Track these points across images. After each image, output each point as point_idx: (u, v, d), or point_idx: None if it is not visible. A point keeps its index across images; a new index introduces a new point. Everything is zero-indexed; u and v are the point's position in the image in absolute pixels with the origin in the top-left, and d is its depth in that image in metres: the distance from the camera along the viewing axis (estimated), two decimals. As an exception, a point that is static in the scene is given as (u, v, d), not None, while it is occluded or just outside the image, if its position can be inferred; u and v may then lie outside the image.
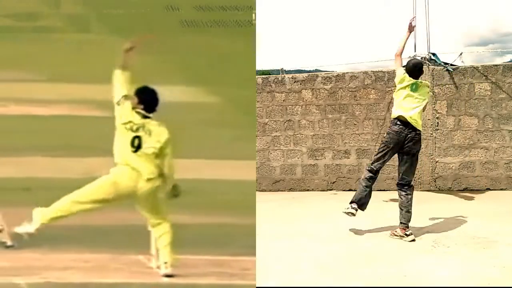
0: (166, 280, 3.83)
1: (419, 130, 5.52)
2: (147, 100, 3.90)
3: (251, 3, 12.17)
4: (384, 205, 7.20)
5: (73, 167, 5.27)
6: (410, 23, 5.68)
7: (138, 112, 3.88)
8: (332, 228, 5.86)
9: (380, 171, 8.32)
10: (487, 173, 8.07)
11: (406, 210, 5.43)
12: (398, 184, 5.64)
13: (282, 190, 8.83)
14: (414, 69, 5.39)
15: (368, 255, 4.69)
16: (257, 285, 3.83)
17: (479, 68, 8.12)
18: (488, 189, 8.05)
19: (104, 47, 9.79)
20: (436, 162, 8.21)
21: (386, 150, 5.57)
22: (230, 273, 3.96)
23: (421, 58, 8.30)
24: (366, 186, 5.61)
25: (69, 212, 3.85)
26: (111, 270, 3.93)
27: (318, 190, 8.69)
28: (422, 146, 8.20)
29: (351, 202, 5.57)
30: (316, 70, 10.65)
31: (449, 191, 8.11)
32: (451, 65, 8.41)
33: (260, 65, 15.82)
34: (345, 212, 5.55)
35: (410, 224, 5.79)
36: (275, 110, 8.91)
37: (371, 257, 4.62)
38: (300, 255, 4.79)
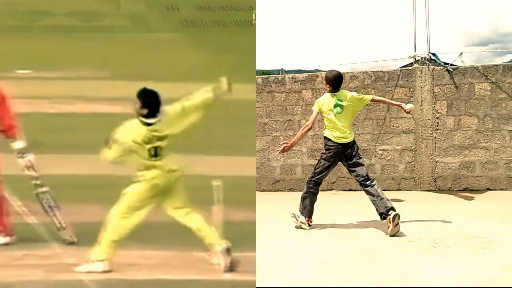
0: (228, 276, 3.86)
1: (352, 136, 5.77)
2: (150, 103, 3.83)
3: (251, 3, 12.19)
4: (384, 205, 7.20)
5: None
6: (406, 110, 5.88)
7: (143, 123, 3.85)
8: (332, 228, 5.86)
9: (380, 171, 8.39)
10: (487, 173, 8.07)
11: (381, 198, 5.52)
12: (363, 182, 5.68)
13: (282, 190, 8.83)
14: (335, 81, 5.70)
15: (368, 255, 4.69)
16: (257, 285, 3.84)
17: (479, 68, 8.12)
18: (488, 189, 8.05)
19: (167, 46, 9.92)
20: (436, 162, 8.21)
21: (328, 164, 5.80)
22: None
23: (421, 58, 8.33)
24: (314, 195, 5.88)
25: (125, 230, 3.89)
26: (174, 267, 3.97)
27: (318, 190, 8.67)
28: (422, 146, 8.24)
29: (302, 215, 5.87)
30: (316, 70, 10.64)
31: (449, 191, 8.11)
32: (451, 65, 8.42)
33: (260, 65, 15.84)
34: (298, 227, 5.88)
35: (411, 224, 5.80)
36: (275, 110, 8.91)
37: (371, 257, 4.62)
38: (300, 255, 4.79)
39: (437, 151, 8.21)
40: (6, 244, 4.27)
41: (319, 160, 5.88)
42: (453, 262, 4.40)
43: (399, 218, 5.36)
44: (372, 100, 5.85)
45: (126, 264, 3.95)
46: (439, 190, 8.16)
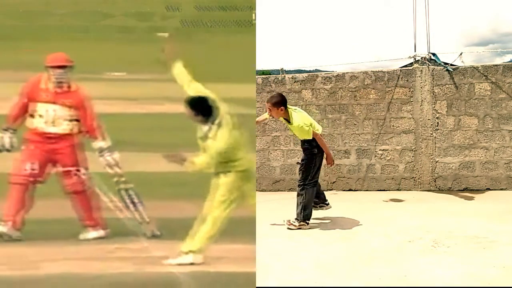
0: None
1: None
2: (202, 110, 4.01)
3: (251, 3, 12.19)
4: (384, 205, 7.20)
5: None
6: None
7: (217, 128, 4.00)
8: (332, 228, 5.86)
9: (380, 171, 8.40)
10: (487, 173, 8.07)
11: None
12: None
13: (282, 190, 8.83)
14: (285, 100, 5.78)
15: (368, 255, 4.69)
16: (257, 285, 3.84)
17: (479, 68, 8.12)
18: (488, 189, 8.05)
19: (245, 48, 10.04)
20: (436, 162, 8.21)
21: (321, 160, 5.90)
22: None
23: (421, 58, 8.33)
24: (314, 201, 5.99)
25: (219, 222, 4.00)
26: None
27: (318, 190, 8.67)
28: (422, 146, 8.24)
29: (304, 220, 5.83)
30: (316, 70, 10.65)
31: (449, 191, 8.11)
32: (451, 65, 8.42)
33: (260, 65, 15.89)
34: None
35: (411, 224, 5.80)
36: (275, 110, 8.90)
37: (371, 257, 4.62)
38: (300, 255, 4.79)
39: (437, 151, 8.22)
40: (100, 238, 4.44)
41: (311, 163, 5.86)
42: (453, 262, 4.40)
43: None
44: None
45: (215, 257, 4.05)
46: (439, 190, 8.16)
